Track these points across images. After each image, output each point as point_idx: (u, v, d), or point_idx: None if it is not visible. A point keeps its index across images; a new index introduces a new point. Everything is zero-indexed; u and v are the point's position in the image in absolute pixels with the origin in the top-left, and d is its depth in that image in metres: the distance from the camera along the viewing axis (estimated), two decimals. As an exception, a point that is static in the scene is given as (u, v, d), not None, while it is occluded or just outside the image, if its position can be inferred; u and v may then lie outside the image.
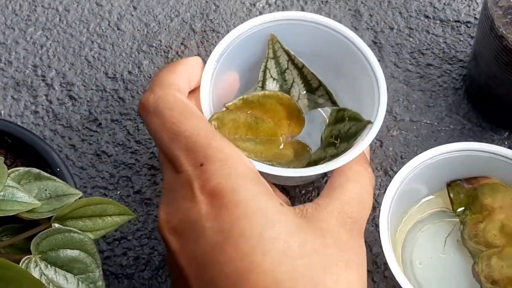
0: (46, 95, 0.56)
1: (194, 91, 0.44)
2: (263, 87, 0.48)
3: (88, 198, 0.39)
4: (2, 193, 0.37)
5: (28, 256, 0.37)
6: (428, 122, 0.56)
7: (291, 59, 0.48)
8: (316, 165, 0.43)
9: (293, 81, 0.49)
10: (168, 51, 0.59)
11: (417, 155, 0.47)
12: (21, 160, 0.43)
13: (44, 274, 0.37)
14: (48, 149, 0.42)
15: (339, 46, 0.47)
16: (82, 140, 0.55)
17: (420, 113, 0.56)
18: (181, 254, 0.37)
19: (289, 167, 0.43)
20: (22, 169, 0.39)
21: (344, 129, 0.45)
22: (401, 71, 0.58)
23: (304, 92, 0.49)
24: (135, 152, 0.54)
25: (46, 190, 0.40)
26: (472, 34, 0.59)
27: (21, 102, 0.56)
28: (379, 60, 0.58)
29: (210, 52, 0.58)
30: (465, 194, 0.49)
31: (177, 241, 0.38)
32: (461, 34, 0.59)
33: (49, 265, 0.38)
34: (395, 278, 0.43)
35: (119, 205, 0.40)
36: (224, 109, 0.44)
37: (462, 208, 0.49)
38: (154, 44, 0.59)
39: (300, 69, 0.49)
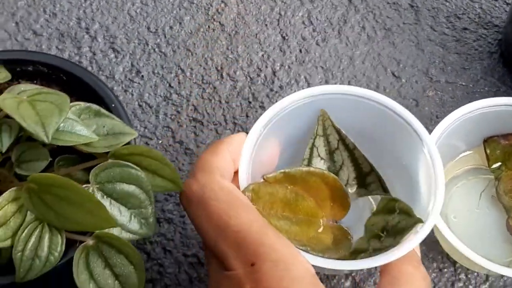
0: (90, 47, 0.58)
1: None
2: (309, 166, 0.44)
3: (150, 148, 0.40)
4: (62, 124, 0.38)
5: (86, 185, 0.38)
6: (463, 84, 0.57)
7: (342, 138, 0.44)
8: (356, 256, 0.40)
9: (343, 163, 0.45)
10: (209, 8, 0.60)
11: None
12: (75, 98, 0.44)
13: (101, 203, 0.38)
14: (103, 86, 0.43)
15: (393, 126, 0.43)
16: (125, 91, 0.56)
17: (456, 75, 0.57)
18: None
19: (323, 255, 0.39)
20: (83, 104, 0.40)
21: (392, 222, 0.41)
22: (438, 34, 0.59)
23: (354, 176, 0.45)
24: (177, 104, 0.55)
25: (104, 127, 0.41)
26: (507, 1, 0.60)
27: (66, 53, 0.57)
28: (415, 23, 0.59)
29: (250, 11, 0.59)
30: (501, 150, 0.50)
31: None
32: (496, 0, 0.60)
33: (105, 196, 0.39)
34: (432, 231, 0.44)
35: (175, 172, 0.40)
36: (262, 180, 0.41)
37: (498, 164, 0.50)
38: (195, 1, 0.60)
39: (351, 151, 0.44)
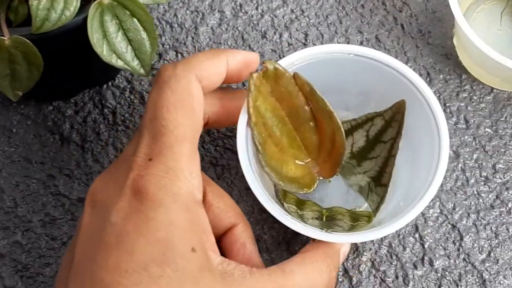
0: None
1: (236, 93, 0.41)
2: (349, 133, 0.41)
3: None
4: None
5: None
6: None
7: (395, 141, 0.40)
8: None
9: (375, 158, 0.40)
10: None
11: None
12: None
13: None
14: None
15: (399, 88, 0.40)
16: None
17: None
18: (82, 226, 0.35)
19: (273, 178, 0.38)
20: None
21: (342, 224, 0.39)
22: None
23: (371, 175, 0.41)
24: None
25: None
26: None
27: None
28: None
29: None
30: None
31: (87, 213, 0.36)
32: None
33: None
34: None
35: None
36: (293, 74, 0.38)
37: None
38: None
39: (390, 156, 0.40)
